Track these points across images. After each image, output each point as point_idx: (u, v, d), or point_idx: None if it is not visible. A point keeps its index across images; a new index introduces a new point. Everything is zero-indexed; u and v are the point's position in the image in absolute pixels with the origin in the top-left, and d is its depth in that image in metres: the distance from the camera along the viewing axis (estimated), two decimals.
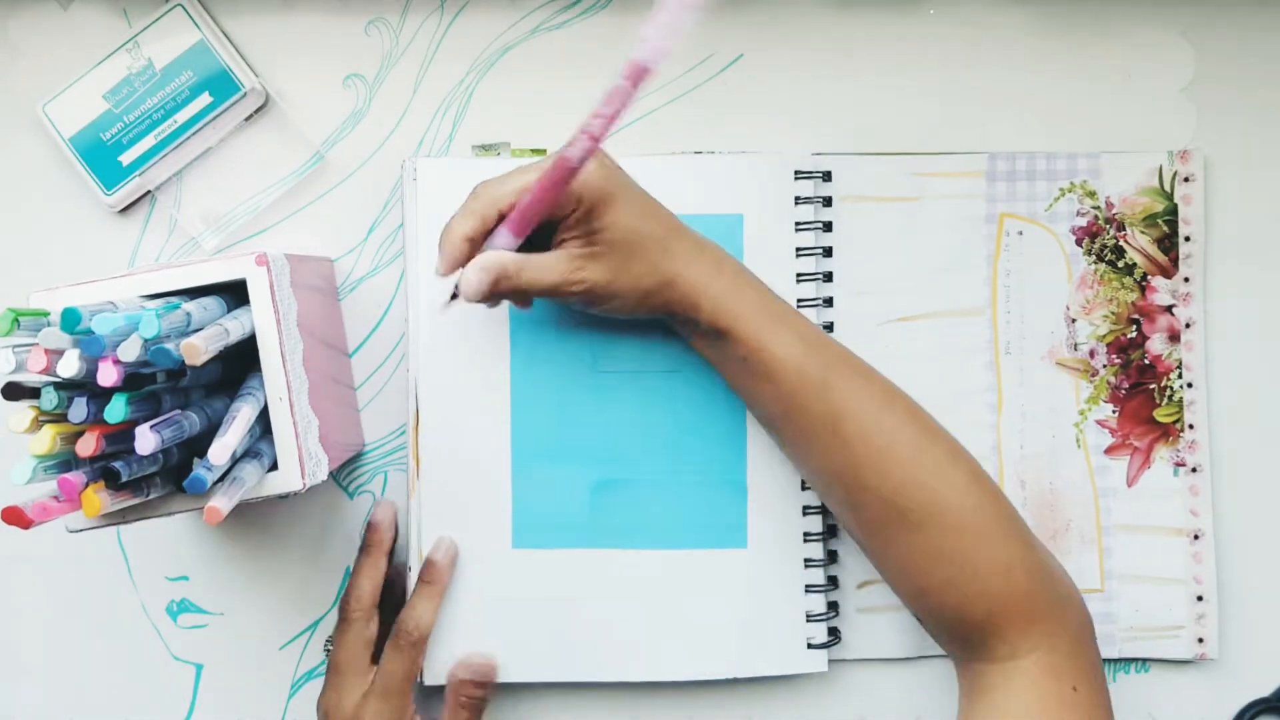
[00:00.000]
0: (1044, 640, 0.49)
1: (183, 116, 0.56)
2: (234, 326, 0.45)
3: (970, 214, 0.58)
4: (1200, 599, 0.57)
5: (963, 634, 0.50)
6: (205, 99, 0.56)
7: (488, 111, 0.58)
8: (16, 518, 0.40)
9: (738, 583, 0.55)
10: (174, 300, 0.46)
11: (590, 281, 0.50)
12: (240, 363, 0.49)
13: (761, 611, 0.55)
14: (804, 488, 0.56)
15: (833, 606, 0.57)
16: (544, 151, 0.56)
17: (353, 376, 0.58)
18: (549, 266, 0.49)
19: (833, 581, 0.57)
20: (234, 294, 0.48)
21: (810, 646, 0.56)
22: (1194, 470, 0.58)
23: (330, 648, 0.56)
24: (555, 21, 0.58)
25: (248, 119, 0.57)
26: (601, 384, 0.55)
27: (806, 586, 0.56)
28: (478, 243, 0.49)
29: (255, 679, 0.58)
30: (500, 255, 0.48)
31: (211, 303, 0.47)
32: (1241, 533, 0.58)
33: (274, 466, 0.46)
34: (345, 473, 0.58)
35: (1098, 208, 0.58)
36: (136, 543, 0.58)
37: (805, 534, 0.56)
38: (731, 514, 0.55)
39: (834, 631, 0.56)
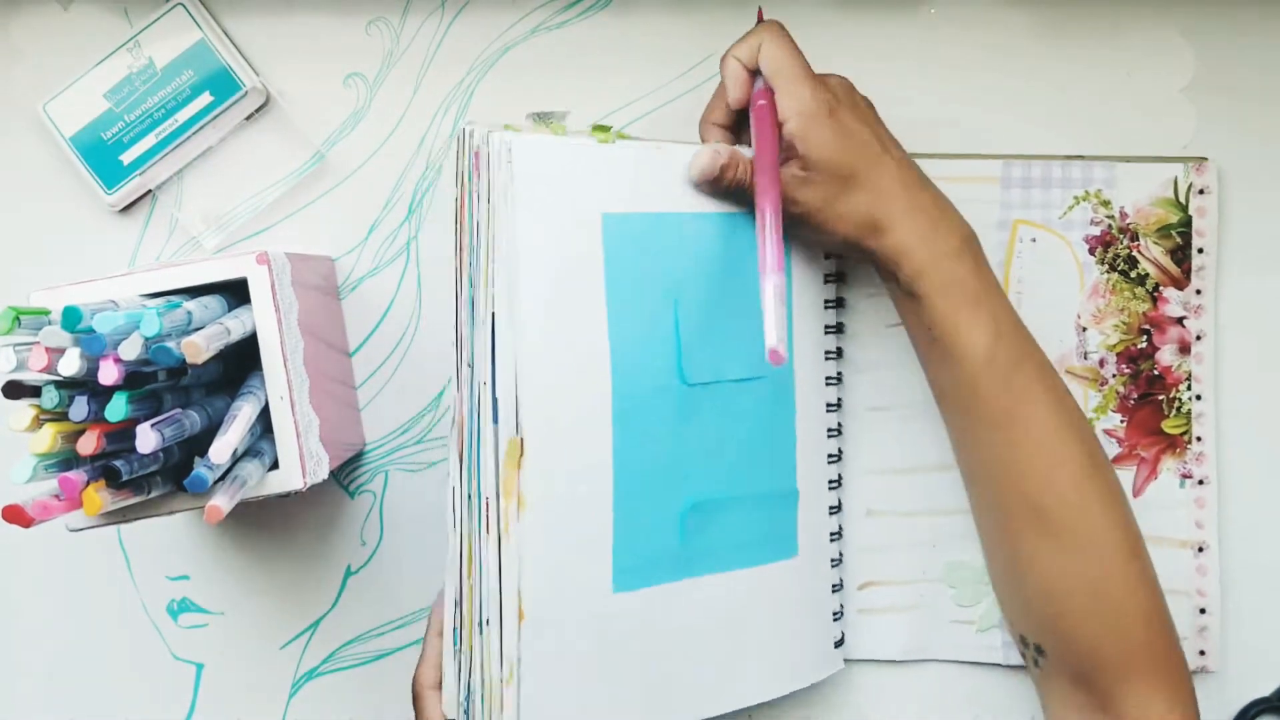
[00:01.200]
0: (1175, 708, 0.48)
1: (183, 116, 0.56)
2: (235, 325, 0.45)
3: (983, 220, 0.56)
4: (1203, 611, 0.57)
5: (1091, 676, 0.48)
6: (206, 98, 0.56)
7: (488, 111, 0.58)
8: (17, 516, 0.40)
9: (792, 591, 0.53)
10: (175, 299, 0.46)
11: (804, 204, 0.50)
12: (241, 362, 0.49)
13: (808, 618, 0.54)
14: (830, 488, 0.55)
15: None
16: (608, 129, 0.52)
17: (353, 376, 0.58)
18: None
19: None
20: (235, 293, 0.48)
21: (834, 646, 0.55)
22: (1201, 482, 0.57)
23: None
24: (555, 21, 0.58)
25: (248, 118, 0.57)
26: (689, 398, 0.49)
27: (831, 586, 0.55)
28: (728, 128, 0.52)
29: (255, 679, 0.58)
30: (734, 151, 0.50)
31: (212, 301, 0.47)
32: (1247, 546, 0.57)
33: (275, 465, 0.46)
34: (345, 472, 0.58)
35: (1112, 217, 0.57)
36: (137, 542, 0.58)
37: (830, 534, 0.55)
38: (785, 522, 0.53)
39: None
